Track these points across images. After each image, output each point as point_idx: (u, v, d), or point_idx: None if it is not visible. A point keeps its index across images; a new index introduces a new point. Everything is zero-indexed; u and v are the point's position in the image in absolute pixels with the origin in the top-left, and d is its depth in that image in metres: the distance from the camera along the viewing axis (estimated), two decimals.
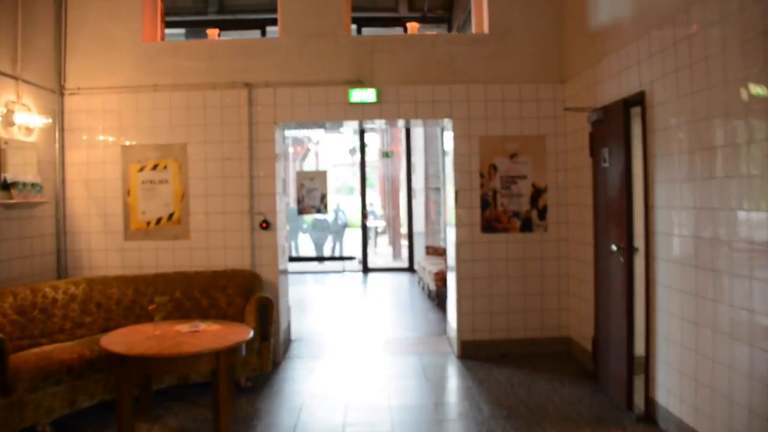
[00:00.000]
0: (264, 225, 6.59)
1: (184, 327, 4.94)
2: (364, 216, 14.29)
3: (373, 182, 39.69)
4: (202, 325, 5.00)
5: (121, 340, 4.67)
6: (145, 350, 4.38)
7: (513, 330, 6.69)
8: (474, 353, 6.63)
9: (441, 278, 9.53)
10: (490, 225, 6.63)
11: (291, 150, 26.62)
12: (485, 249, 6.64)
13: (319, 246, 19.48)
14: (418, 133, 15.74)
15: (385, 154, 16.37)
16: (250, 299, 6.02)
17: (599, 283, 5.74)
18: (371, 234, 20.38)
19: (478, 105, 6.65)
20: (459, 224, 6.64)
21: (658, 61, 4.53)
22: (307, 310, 9.72)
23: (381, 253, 19.28)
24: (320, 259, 15.08)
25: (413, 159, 15.04)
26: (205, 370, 5.10)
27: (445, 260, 9.31)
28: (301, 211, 14.49)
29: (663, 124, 4.51)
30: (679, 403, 4.33)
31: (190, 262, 6.63)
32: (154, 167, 6.67)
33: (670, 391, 4.48)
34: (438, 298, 9.61)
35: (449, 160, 7.02)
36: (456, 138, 6.65)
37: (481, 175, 6.62)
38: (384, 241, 23.02)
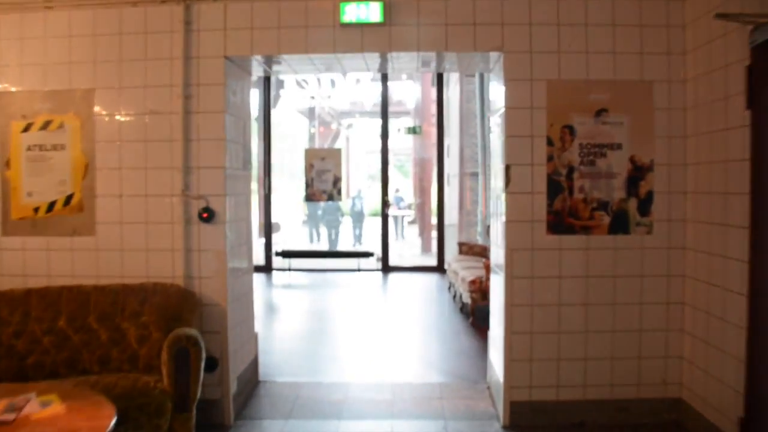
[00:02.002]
0: (205, 215, 4.24)
1: None
2: (386, 204, 11.84)
3: (406, 167, 37.45)
4: (32, 407, 2.66)
5: None
6: None
7: (593, 387, 4.24)
8: (531, 421, 4.22)
9: (479, 288, 7.10)
10: (561, 222, 4.17)
11: (313, 130, 24.45)
12: (553, 260, 4.19)
13: (331, 231, 17.41)
14: (453, 107, 13.28)
15: (412, 130, 13.90)
16: (170, 336, 3.68)
17: (758, 324, 3.29)
18: (398, 224, 18.10)
19: (547, 31, 4.17)
20: (511, 220, 4.19)
21: None
22: (296, 329, 7.38)
23: (408, 245, 16.88)
24: (330, 254, 12.67)
25: (446, 140, 12.57)
26: None
27: (486, 264, 6.86)
28: (310, 197, 12.19)
29: None
30: None
31: (96, 269, 4.33)
32: (45, 125, 4.36)
33: None
34: (474, 315, 7.17)
35: (497, 121, 4.56)
36: (509, 84, 4.19)
37: (550, 142, 4.16)
38: (413, 232, 20.69)
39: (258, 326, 5.27)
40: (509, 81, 4.18)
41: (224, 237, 4.28)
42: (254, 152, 12.56)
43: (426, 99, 18.19)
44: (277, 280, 11.04)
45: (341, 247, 17.45)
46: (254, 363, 5.02)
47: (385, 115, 11.93)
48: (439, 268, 11.61)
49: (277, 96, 18.84)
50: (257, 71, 4.94)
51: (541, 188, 4.17)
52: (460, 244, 9.63)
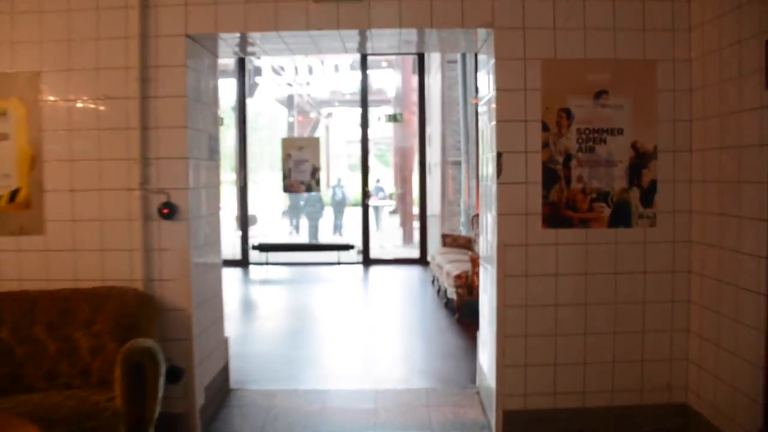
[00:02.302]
0: (166, 211, 3.82)
1: None
2: (366, 195, 11.45)
3: (386, 157, 37.07)
4: None
5: None
6: None
7: (593, 394, 3.90)
8: (526, 431, 3.88)
9: (464, 283, 6.75)
10: (558, 214, 3.82)
11: (292, 119, 23.97)
12: (549, 255, 3.83)
13: (312, 223, 17.09)
14: (434, 95, 12.89)
15: (393, 118, 13.48)
16: (123, 349, 3.27)
17: None
18: (379, 215, 17.74)
19: (541, 5, 3.79)
20: (503, 212, 3.83)
21: None
22: (272, 329, 6.99)
23: (389, 236, 16.52)
24: (308, 247, 12.25)
25: (428, 128, 12.18)
26: None
27: (472, 258, 6.53)
28: (288, 188, 11.76)
29: None
30: None
31: (46, 272, 3.89)
32: None
33: None
34: (460, 312, 6.82)
35: (486, 105, 4.20)
36: (500, 64, 3.81)
37: (545, 128, 3.80)
38: (394, 222, 20.35)
39: (231, 328, 4.89)
40: (500, 61, 3.80)
41: (188, 235, 3.86)
42: (230, 143, 12.10)
43: (407, 87, 17.79)
44: (254, 275, 10.62)
45: (322, 238, 17.09)
46: (224, 370, 4.62)
47: (364, 103, 11.52)
48: (422, 260, 11.27)
49: (254, 85, 18.32)
50: (225, 52, 4.51)
51: (535, 178, 3.81)
52: (444, 236, 9.28)
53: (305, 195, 17.45)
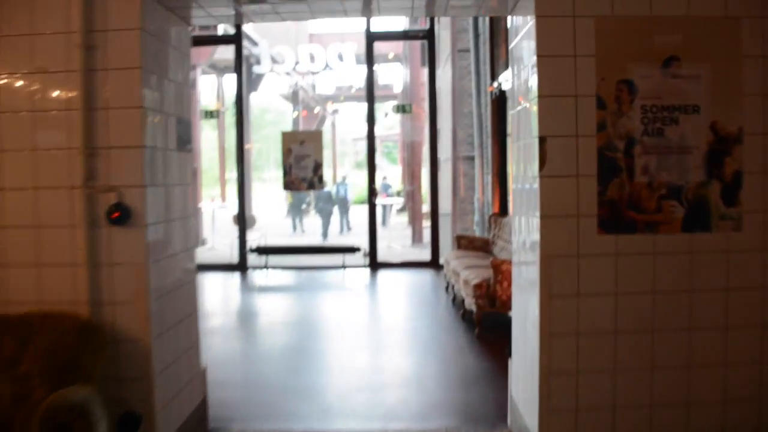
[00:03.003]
0: (116, 215, 3.00)
1: None
2: (373, 193, 10.61)
3: (393, 154, 36.28)
4: None
5: None
6: None
7: None
8: None
9: (485, 293, 5.92)
10: (618, 216, 2.98)
11: (295, 114, 23.18)
12: (607, 269, 2.99)
13: (325, 220, 16.58)
14: (444, 86, 12.04)
15: (401, 108, 12.65)
16: (45, 404, 2.45)
17: None
18: (386, 213, 16.96)
19: None
20: (548, 215, 2.98)
21: None
22: (265, 349, 6.16)
23: (397, 236, 15.70)
24: (311, 250, 11.40)
25: (438, 122, 11.32)
26: None
27: (494, 264, 5.71)
28: (288, 185, 10.92)
29: None
30: None
31: None
32: None
33: None
34: (480, 325, 5.98)
35: (519, 80, 3.35)
36: (542, 22, 2.97)
37: (601, 104, 2.96)
38: (402, 221, 19.58)
39: (216, 347, 4.08)
40: (543, 18, 2.96)
41: (145, 245, 3.05)
42: (232, 139, 11.33)
43: (415, 80, 16.99)
44: (253, 281, 9.81)
45: (330, 238, 16.45)
46: (201, 407, 3.79)
47: (370, 98, 10.69)
48: (434, 263, 10.42)
49: (257, 78, 17.55)
50: (200, 18, 3.69)
51: (589, 169, 2.96)
52: (459, 238, 8.42)
53: (313, 192, 16.86)
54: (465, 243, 8.26)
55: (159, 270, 3.18)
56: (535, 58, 2.98)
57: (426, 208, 16.11)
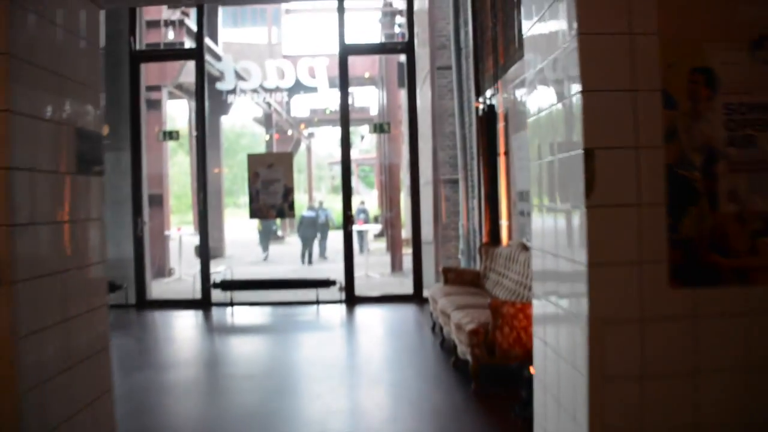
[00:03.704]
0: None
1: None
2: (349, 220, 9.69)
3: (370, 178, 35.44)
4: None
5: None
6: None
7: None
8: None
9: (482, 341, 4.99)
10: (697, 261, 2.08)
11: (268, 136, 22.34)
12: (683, 337, 2.08)
13: (307, 246, 15.91)
14: (423, 106, 11.23)
15: (380, 128, 11.77)
16: None
17: None
18: (364, 239, 16.10)
19: None
20: (598, 261, 2.06)
21: None
22: (216, 421, 5.13)
23: (375, 263, 14.79)
24: (281, 284, 10.36)
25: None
26: None
27: (493, 306, 4.83)
28: (255, 212, 9.92)
29: None
30: None
31: None
32: None
33: None
34: (477, 380, 5.04)
35: (549, 67, 2.46)
36: None
37: (669, 102, 2.08)
38: (380, 247, 18.74)
39: (164, 412, 3.08)
40: None
41: (11, 312, 2.08)
42: (191, 164, 10.33)
43: (392, 103, 16.27)
44: (215, 320, 8.78)
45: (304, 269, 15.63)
46: None
47: (345, 119, 9.83)
48: (417, 297, 9.49)
49: (226, 101, 16.70)
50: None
51: (655, 195, 2.07)
52: (446, 271, 7.49)
53: (303, 215, 16.24)
54: (453, 277, 7.34)
55: (37, 345, 2.21)
56: (575, 36, 2.09)
57: (405, 234, 15.29)
